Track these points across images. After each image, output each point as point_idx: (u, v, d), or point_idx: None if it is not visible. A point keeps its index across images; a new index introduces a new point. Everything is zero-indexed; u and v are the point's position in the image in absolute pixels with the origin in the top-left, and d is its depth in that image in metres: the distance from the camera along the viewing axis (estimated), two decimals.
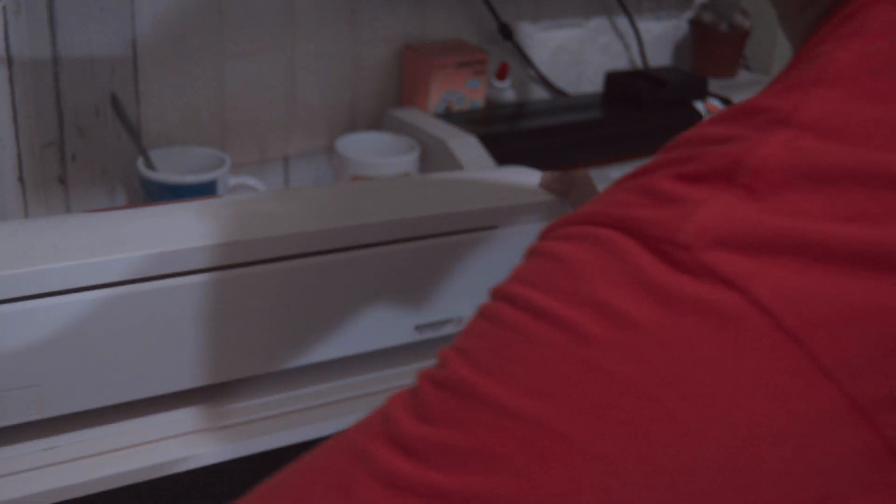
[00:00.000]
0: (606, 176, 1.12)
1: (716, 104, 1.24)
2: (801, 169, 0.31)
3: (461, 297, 0.72)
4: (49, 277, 0.57)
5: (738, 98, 1.26)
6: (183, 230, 0.63)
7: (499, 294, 0.35)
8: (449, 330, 0.73)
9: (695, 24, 1.36)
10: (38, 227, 0.63)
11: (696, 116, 1.21)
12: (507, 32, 1.23)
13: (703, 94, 1.24)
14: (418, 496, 0.31)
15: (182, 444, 0.65)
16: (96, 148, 1.02)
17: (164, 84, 1.03)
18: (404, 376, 0.73)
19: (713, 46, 1.35)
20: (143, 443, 0.64)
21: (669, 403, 0.30)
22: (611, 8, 1.33)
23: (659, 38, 1.40)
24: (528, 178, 0.78)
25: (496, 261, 0.73)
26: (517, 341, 0.32)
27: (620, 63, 1.37)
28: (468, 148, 1.05)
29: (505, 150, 1.07)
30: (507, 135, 1.11)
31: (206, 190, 0.97)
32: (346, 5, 1.11)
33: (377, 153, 1.07)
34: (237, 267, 0.63)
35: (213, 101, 1.07)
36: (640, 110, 1.20)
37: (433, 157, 1.07)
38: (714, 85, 1.30)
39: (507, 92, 1.23)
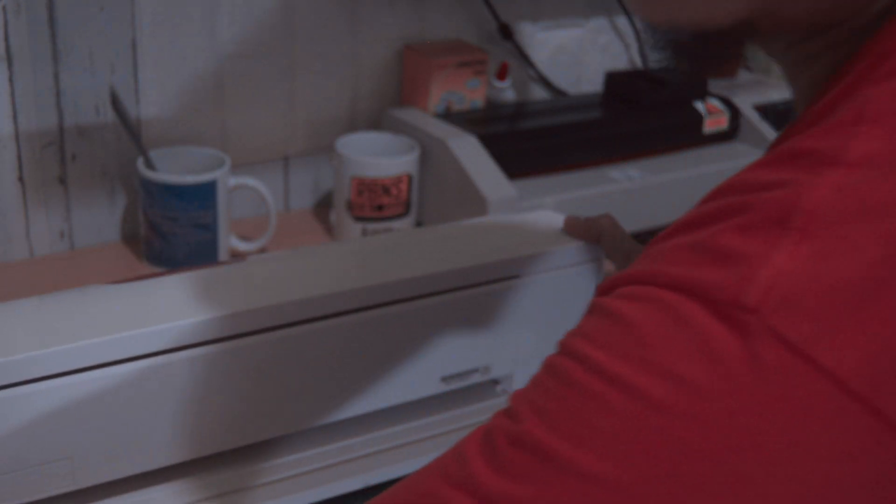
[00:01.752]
0: (606, 176, 1.12)
1: (716, 104, 1.24)
2: (854, 207, 0.32)
3: (486, 348, 0.73)
4: (73, 355, 0.58)
5: (738, 98, 1.26)
6: (207, 298, 0.64)
7: (568, 350, 0.35)
8: (475, 379, 0.74)
9: None
10: (57, 302, 0.64)
11: (697, 116, 1.21)
12: (507, 32, 1.23)
13: (703, 94, 1.24)
14: None
15: None
16: (96, 148, 1.02)
17: (164, 84, 1.03)
18: (432, 427, 0.74)
19: None
20: None
21: (743, 469, 0.31)
22: (611, 8, 1.33)
23: None
24: (548, 222, 0.79)
25: (520, 310, 0.74)
26: (591, 406, 0.33)
27: (620, 63, 1.37)
28: (468, 148, 1.05)
29: (505, 150, 1.07)
30: (507, 135, 1.11)
31: (206, 190, 0.97)
32: (346, 5, 1.11)
33: (377, 153, 1.07)
34: (263, 332, 0.64)
35: (213, 101, 1.07)
36: (640, 110, 1.20)
37: (433, 157, 1.07)
38: (714, 85, 1.30)
39: (507, 92, 1.23)
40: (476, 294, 0.71)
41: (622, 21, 1.34)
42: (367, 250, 0.73)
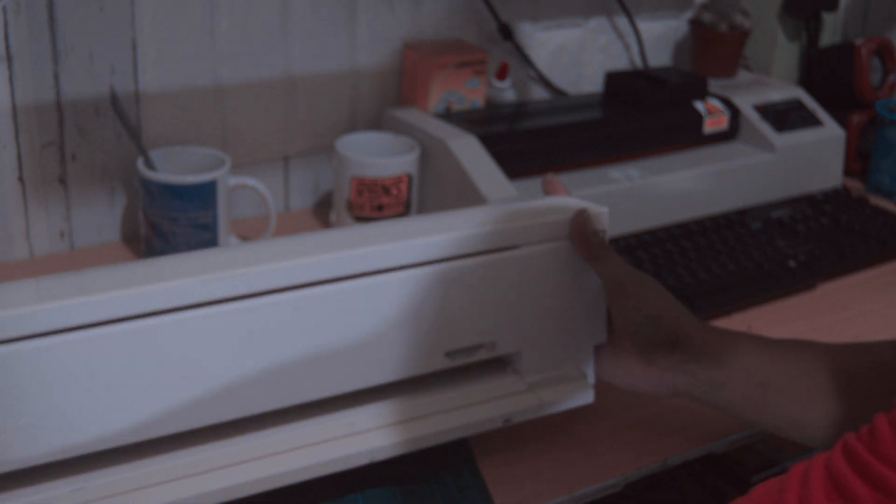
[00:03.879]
0: (606, 176, 1.12)
1: (716, 104, 1.24)
2: None
3: (490, 323, 0.72)
4: (66, 312, 0.58)
5: (738, 98, 1.26)
6: (204, 264, 0.63)
7: None
8: (481, 355, 0.73)
9: (695, 24, 1.36)
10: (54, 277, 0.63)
11: (696, 116, 1.21)
12: (507, 32, 1.23)
13: (703, 94, 1.24)
14: None
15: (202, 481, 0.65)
16: (96, 148, 1.02)
17: (164, 84, 1.03)
18: (436, 403, 0.73)
19: (713, 46, 1.35)
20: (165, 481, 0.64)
21: None
22: (611, 8, 1.33)
23: (659, 38, 1.40)
24: (553, 202, 0.78)
25: (520, 281, 0.73)
26: None
27: (620, 63, 1.37)
28: (468, 148, 1.05)
29: (505, 150, 1.07)
30: (507, 135, 1.11)
31: (206, 190, 0.97)
32: (345, 5, 1.11)
33: (377, 153, 1.08)
34: (262, 295, 0.63)
35: (213, 101, 1.07)
36: (640, 110, 1.20)
37: (433, 157, 1.07)
38: (714, 85, 1.30)
39: (507, 92, 1.23)
40: (477, 264, 0.70)
41: (622, 21, 1.34)
42: (368, 231, 0.72)
